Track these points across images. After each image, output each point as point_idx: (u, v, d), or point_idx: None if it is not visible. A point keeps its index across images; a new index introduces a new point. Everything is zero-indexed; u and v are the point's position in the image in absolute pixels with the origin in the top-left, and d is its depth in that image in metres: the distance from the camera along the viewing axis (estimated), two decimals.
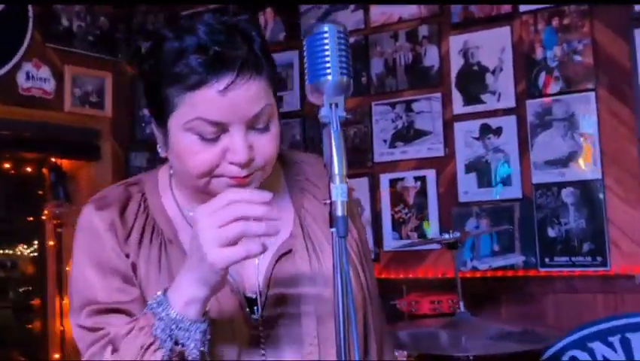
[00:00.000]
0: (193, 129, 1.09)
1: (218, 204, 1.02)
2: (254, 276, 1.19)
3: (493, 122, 3.14)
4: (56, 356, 3.44)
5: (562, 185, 2.98)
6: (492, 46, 3.16)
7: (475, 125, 3.18)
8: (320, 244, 1.22)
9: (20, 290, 3.63)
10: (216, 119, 1.09)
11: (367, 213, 3.40)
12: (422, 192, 3.28)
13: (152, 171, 1.29)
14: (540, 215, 3.00)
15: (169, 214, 1.22)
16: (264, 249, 1.00)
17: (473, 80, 3.19)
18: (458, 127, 3.21)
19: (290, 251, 1.20)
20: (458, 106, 3.22)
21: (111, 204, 1.21)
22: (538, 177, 3.02)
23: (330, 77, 1.00)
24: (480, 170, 3.15)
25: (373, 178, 3.41)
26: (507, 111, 3.12)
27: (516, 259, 3.07)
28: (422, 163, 3.29)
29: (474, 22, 3.20)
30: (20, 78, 3.25)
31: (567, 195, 2.97)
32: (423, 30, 3.33)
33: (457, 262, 2.62)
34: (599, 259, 2.90)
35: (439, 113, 3.26)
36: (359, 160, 3.43)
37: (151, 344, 1.04)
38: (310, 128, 3.59)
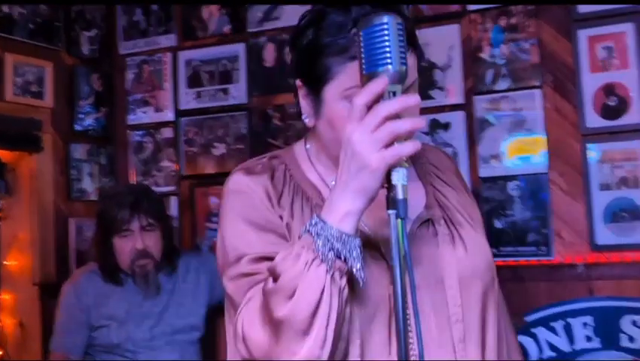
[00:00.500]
0: (350, 97, 1.15)
1: (360, 112, 1.06)
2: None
3: (442, 118, 3.23)
4: None
5: (508, 178, 3.10)
6: (441, 43, 3.25)
7: (424, 120, 3.26)
8: (453, 215, 1.28)
9: None
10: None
11: None
12: None
13: (287, 148, 1.39)
14: (488, 207, 3.12)
15: (313, 183, 1.30)
16: (416, 147, 1.04)
17: (423, 76, 3.25)
18: None
19: (429, 220, 1.25)
20: None
21: (261, 172, 1.30)
22: (485, 170, 3.14)
23: (390, 67, 1.05)
24: None
25: None
26: (455, 107, 3.21)
27: None
28: None
29: (423, 19, 3.27)
30: None
31: (513, 188, 3.09)
32: None
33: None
34: (544, 248, 3.04)
35: None
36: None
37: (314, 259, 1.08)
38: (257, 122, 3.59)
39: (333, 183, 1.20)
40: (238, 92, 3.65)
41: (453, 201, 1.33)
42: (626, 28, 2.94)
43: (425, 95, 3.26)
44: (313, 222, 1.11)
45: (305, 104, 1.27)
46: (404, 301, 1.03)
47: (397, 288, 1.04)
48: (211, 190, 3.68)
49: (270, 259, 1.16)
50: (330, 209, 1.10)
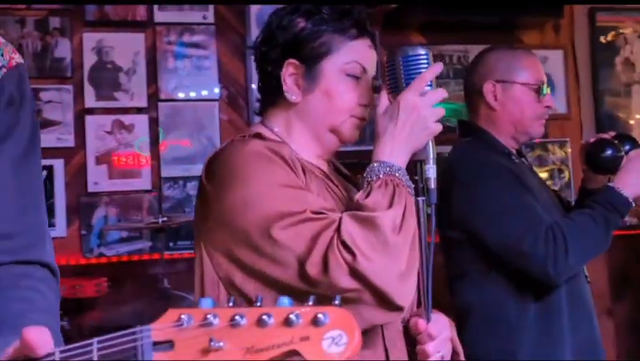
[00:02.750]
0: (347, 71, 1.45)
1: (422, 87, 1.37)
2: None
3: (125, 119, 3.39)
4: None
5: (187, 179, 3.41)
6: (127, 48, 3.41)
7: (107, 119, 3.37)
8: None
9: None
10: (366, 65, 1.45)
11: None
12: (49, 181, 3.31)
13: (247, 131, 1.50)
14: (168, 205, 3.37)
15: (301, 159, 1.45)
16: None
17: (107, 78, 3.38)
18: (90, 120, 3.36)
19: None
20: (91, 100, 3.37)
21: (282, 144, 1.43)
22: (167, 171, 3.39)
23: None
24: (110, 162, 3.36)
25: None
26: (139, 110, 3.41)
27: (144, 244, 3.36)
28: (50, 152, 3.33)
29: (109, 23, 3.40)
30: None
31: (192, 187, 3.41)
32: (54, 22, 3.38)
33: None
34: None
35: (70, 105, 3.35)
36: None
37: (408, 190, 1.35)
38: None
39: (314, 162, 1.46)
40: None
41: None
42: None
43: (109, 96, 3.39)
44: (388, 165, 1.36)
45: (291, 82, 1.45)
46: (429, 272, 1.39)
47: (428, 263, 1.39)
48: None
49: (327, 209, 1.34)
50: (393, 156, 1.37)
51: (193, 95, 3.45)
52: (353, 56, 1.46)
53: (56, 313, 1.14)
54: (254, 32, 3.51)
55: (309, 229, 1.30)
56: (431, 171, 1.39)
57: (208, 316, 0.76)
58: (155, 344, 0.76)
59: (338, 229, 1.29)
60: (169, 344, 0.77)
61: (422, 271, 1.38)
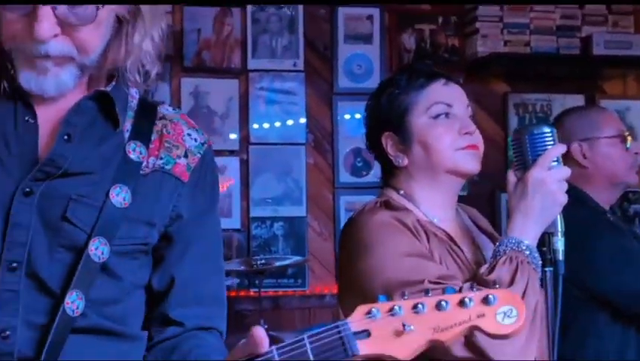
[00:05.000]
0: (431, 114, 1.57)
1: (549, 163, 1.45)
2: None
3: (219, 161, 3.55)
4: None
5: (275, 219, 3.57)
6: (221, 93, 3.61)
7: None
8: None
9: None
10: (448, 101, 1.58)
11: None
12: None
13: (383, 194, 1.62)
14: (255, 243, 3.55)
15: (430, 222, 1.54)
16: None
17: (202, 121, 3.57)
18: None
19: None
20: None
21: (408, 212, 1.52)
22: (255, 211, 3.57)
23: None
24: None
25: None
26: (231, 152, 3.60)
27: (232, 281, 3.54)
28: None
29: (206, 69, 3.61)
30: None
31: (278, 228, 3.58)
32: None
33: None
34: (300, 281, 3.57)
35: None
36: None
37: (532, 268, 1.43)
38: None
39: (435, 220, 1.55)
40: None
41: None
42: None
43: None
44: (516, 241, 1.44)
45: (394, 150, 1.61)
46: (555, 340, 1.44)
47: (554, 332, 1.44)
48: None
49: (448, 277, 1.44)
50: (523, 232, 1.45)
51: (281, 139, 3.62)
52: (431, 99, 1.58)
53: None
54: (342, 79, 3.68)
55: None
56: (559, 243, 1.46)
57: (395, 307, 0.96)
58: (354, 333, 0.96)
59: None
60: (365, 333, 0.96)
61: (547, 338, 1.43)
